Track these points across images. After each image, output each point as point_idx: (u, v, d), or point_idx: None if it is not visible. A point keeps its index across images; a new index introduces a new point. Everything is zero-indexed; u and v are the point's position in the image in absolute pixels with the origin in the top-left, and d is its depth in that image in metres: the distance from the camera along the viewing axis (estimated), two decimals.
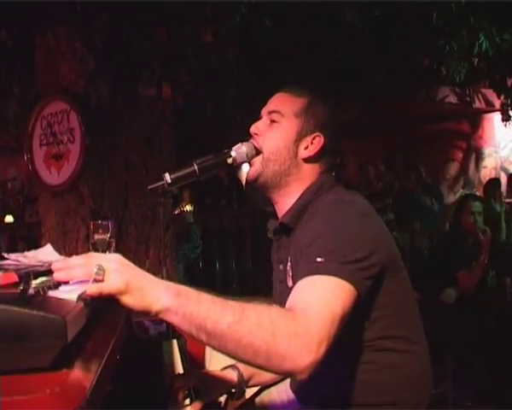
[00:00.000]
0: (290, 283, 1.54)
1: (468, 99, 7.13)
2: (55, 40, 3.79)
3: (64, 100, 3.68)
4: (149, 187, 1.52)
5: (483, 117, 8.22)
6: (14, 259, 1.50)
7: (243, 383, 1.76)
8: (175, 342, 2.31)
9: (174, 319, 1.15)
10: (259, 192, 1.67)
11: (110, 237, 2.08)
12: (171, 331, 2.73)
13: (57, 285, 0.97)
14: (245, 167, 1.69)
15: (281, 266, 1.65)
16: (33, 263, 1.49)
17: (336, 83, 4.74)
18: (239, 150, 1.60)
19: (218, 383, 1.76)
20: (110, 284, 1.06)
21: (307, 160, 1.61)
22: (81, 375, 0.67)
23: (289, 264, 1.56)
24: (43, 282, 1.03)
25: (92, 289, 1.00)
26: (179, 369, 2.00)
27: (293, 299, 1.30)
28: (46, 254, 1.67)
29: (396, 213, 5.54)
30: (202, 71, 4.06)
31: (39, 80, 3.96)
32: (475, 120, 8.32)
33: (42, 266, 1.43)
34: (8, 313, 0.66)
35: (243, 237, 6.57)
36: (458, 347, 4.14)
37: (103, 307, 1.16)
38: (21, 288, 0.77)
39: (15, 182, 8.38)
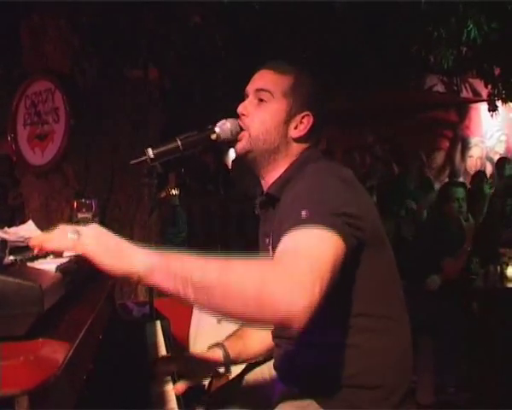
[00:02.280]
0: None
1: (455, 88, 7.13)
2: (40, 20, 3.74)
3: (48, 79, 3.63)
4: (132, 162, 1.50)
5: (470, 107, 8.25)
6: None
7: (229, 362, 1.74)
8: (158, 323, 2.30)
9: (158, 278, 1.10)
10: (247, 168, 1.65)
11: (93, 216, 2.06)
12: (155, 313, 2.73)
13: (36, 258, 0.96)
14: (232, 153, 1.67)
15: (267, 240, 1.62)
16: (14, 239, 1.46)
17: (325, 69, 4.71)
18: (223, 127, 1.58)
19: (203, 365, 1.75)
20: (85, 245, 1.03)
21: (297, 139, 1.59)
22: (57, 345, 0.66)
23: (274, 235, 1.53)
24: (22, 255, 1.01)
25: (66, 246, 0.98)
26: (162, 350, 1.99)
27: (278, 250, 1.25)
28: (27, 230, 1.64)
29: (380, 196, 5.53)
30: (190, 54, 4.03)
31: (24, 60, 3.91)
32: (462, 109, 8.35)
33: (22, 241, 1.41)
34: None
35: (229, 222, 6.55)
36: (441, 333, 4.16)
37: (84, 283, 1.14)
38: None
39: None
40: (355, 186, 1.46)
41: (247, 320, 1.21)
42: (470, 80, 7.26)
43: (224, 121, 1.58)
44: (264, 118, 1.58)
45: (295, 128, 1.59)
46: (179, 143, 1.50)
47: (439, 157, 8.45)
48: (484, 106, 7.40)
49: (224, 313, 1.16)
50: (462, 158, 8.46)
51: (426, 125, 8.23)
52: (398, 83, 6.36)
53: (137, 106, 3.88)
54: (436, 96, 7.38)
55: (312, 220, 1.25)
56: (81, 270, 1.11)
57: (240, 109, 1.61)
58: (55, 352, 0.63)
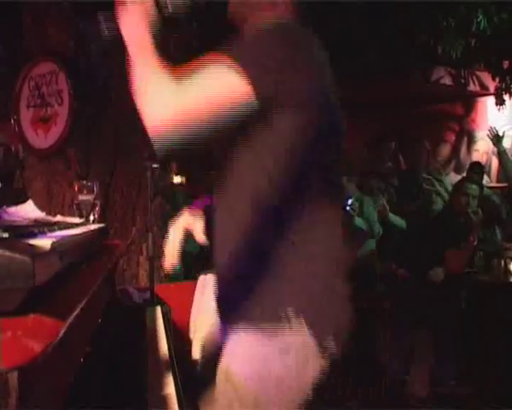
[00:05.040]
0: None
1: (462, 81, 7.07)
2: (43, 1, 3.70)
3: (52, 61, 3.60)
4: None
5: (477, 100, 8.17)
6: None
7: None
8: (158, 308, 2.28)
9: (123, 32, 1.41)
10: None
11: (95, 198, 2.04)
12: (156, 299, 2.71)
13: (32, 235, 0.93)
14: None
15: None
16: (13, 218, 1.44)
17: (331, 58, 4.66)
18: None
19: None
20: None
21: None
22: (49, 322, 0.63)
23: None
24: (18, 232, 0.99)
25: None
26: (162, 335, 1.97)
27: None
28: (27, 210, 1.62)
29: (398, 193, 5.47)
30: (195, 37, 3.99)
31: (26, 43, 3.87)
32: (469, 102, 8.27)
33: (21, 221, 1.38)
34: None
35: None
36: (442, 326, 4.15)
37: (81, 262, 1.12)
38: None
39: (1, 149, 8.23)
40: (302, 46, 1.45)
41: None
42: (478, 73, 7.19)
43: None
44: None
45: None
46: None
47: (445, 150, 8.38)
48: (490, 99, 7.34)
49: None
50: (467, 152, 8.39)
51: (431, 117, 8.16)
52: (403, 74, 6.31)
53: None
54: (442, 89, 7.32)
55: (229, 55, 1.33)
56: (78, 248, 1.09)
57: None
58: (46, 329, 0.61)
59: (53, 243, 0.79)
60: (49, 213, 2.94)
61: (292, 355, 1.40)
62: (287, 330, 1.40)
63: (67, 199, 3.55)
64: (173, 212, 5.42)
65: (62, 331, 0.64)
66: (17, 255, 0.62)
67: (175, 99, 1.29)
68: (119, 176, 3.72)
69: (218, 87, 1.31)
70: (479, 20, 3.95)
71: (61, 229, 1.23)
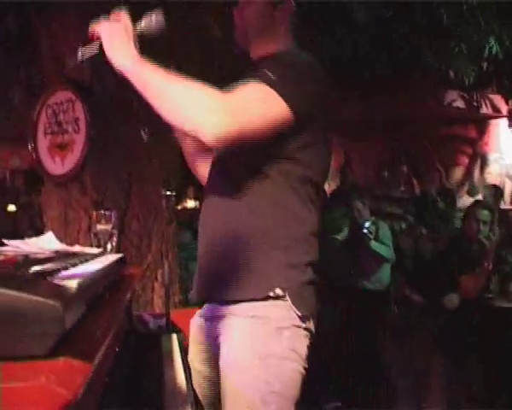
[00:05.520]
0: None
1: (475, 104, 7.08)
2: (61, 28, 3.75)
3: (70, 90, 3.64)
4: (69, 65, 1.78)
5: (489, 123, 8.16)
6: (14, 246, 1.48)
7: None
8: (174, 336, 2.28)
9: (132, 80, 1.54)
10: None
11: (112, 228, 2.06)
12: (171, 326, 2.71)
13: (57, 271, 0.95)
14: None
15: None
16: (34, 250, 1.46)
17: (339, 76, 4.69)
18: (146, 19, 1.68)
19: None
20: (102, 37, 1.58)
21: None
22: (79, 363, 0.64)
23: None
24: (42, 268, 1.01)
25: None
26: (178, 364, 1.97)
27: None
28: (47, 241, 1.64)
29: (415, 217, 5.46)
30: (210, 65, 4.03)
31: (44, 68, 3.92)
32: (481, 125, 8.26)
33: (43, 253, 1.41)
34: (2, 296, 0.63)
35: None
36: (456, 352, 4.12)
37: (103, 295, 1.14)
38: (18, 271, 0.75)
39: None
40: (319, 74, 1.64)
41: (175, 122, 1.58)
42: (490, 96, 7.20)
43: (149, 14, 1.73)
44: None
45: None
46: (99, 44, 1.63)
47: (458, 173, 8.36)
48: (503, 122, 7.34)
49: (163, 113, 1.54)
50: (480, 174, 8.36)
51: (444, 140, 8.16)
52: (416, 97, 6.34)
53: (156, 114, 3.86)
54: (455, 112, 7.33)
55: (265, 78, 1.49)
56: (101, 282, 1.11)
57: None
58: (76, 372, 0.62)
59: (79, 284, 0.81)
60: (65, 240, 2.98)
61: (285, 335, 1.50)
62: (277, 311, 1.51)
63: (83, 226, 3.57)
64: (194, 239, 5.46)
65: (91, 373, 0.65)
66: (48, 301, 0.64)
67: (228, 119, 1.43)
68: (134, 202, 3.73)
69: (263, 109, 1.47)
70: (491, 45, 3.97)
71: (82, 262, 1.25)
